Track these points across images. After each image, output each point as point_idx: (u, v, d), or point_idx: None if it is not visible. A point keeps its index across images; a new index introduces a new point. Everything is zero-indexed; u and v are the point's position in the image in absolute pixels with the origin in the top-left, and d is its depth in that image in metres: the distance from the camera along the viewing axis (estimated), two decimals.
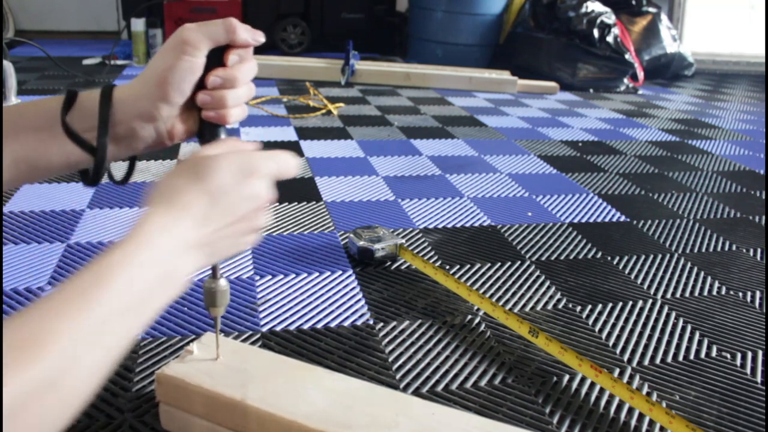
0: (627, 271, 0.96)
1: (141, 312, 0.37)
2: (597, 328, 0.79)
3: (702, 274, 0.97)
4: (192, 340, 0.71)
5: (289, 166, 0.48)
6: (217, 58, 0.47)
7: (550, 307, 0.84)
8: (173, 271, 0.39)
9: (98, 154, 0.46)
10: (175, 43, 0.45)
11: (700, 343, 0.77)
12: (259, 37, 0.48)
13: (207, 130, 0.48)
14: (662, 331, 0.80)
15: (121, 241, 0.38)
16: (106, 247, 0.37)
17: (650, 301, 0.87)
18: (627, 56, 2.59)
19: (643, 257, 1.01)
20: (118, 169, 0.53)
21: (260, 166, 0.44)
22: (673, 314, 0.84)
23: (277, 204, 1.15)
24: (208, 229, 0.41)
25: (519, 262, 0.97)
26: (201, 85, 0.47)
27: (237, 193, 0.43)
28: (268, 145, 1.52)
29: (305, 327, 0.76)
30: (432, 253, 0.99)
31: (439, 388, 0.66)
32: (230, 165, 0.43)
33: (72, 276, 0.35)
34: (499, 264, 0.96)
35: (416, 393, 0.65)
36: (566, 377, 0.69)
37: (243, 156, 0.44)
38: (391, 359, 0.70)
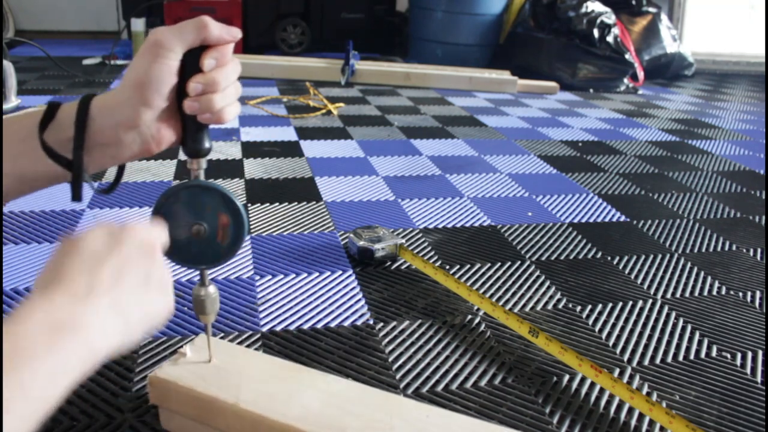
0: (627, 271, 0.96)
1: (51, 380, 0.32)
2: (597, 328, 0.79)
3: (702, 274, 0.97)
4: (188, 342, 0.70)
5: (153, 230, 0.45)
6: (196, 61, 0.45)
7: (550, 307, 0.84)
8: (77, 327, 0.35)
9: (74, 168, 0.45)
10: (148, 45, 0.44)
11: (700, 343, 0.77)
12: (236, 33, 0.47)
13: (190, 135, 0.48)
14: (662, 331, 0.80)
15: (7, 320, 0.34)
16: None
17: (650, 301, 0.87)
18: (627, 56, 2.59)
19: (643, 257, 1.01)
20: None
21: (127, 230, 0.42)
22: (673, 314, 0.84)
23: (278, 204, 1.15)
24: (100, 294, 0.37)
25: (519, 262, 0.97)
26: (185, 91, 0.46)
27: (112, 255, 0.40)
28: (269, 145, 1.52)
29: (305, 327, 0.76)
30: (432, 253, 0.99)
31: (439, 388, 0.66)
32: (98, 234, 0.41)
33: None
34: (499, 264, 0.96)
35: (416, 393, 0.65)
36: (566, 377, 0.69)
37: (108, 226, 0.42)
38: (391, 359, 0.70)
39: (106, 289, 0.38)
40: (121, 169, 0.51)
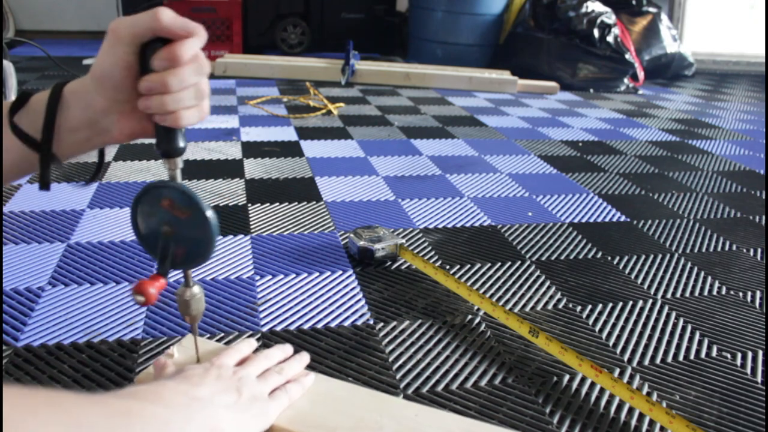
0: (627, 271, 0.96)
1: None
2: (597, 328, 0.79)
3: (702, 274, 0.97)
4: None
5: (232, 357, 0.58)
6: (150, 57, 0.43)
7: (550, 307, 0.84)
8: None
9: (42, 148, 0.45)
10: (107, 33, 0.44)
11: (700, 343, 0.77)
12: (194, 29, 0.43)
13: (161, 134, 0.46)
14: (662, 331, 0.80)
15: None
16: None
17: (650, 301, 0.87)
18: (627, 56, 2.59)
19: (643, 257, 1.01)
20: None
21: (216, 362, 0.55)
22: (673, 314, 0.84)
23: (278, 204, 1.15)
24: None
25: (519, 262, 0.97)
26: None
27: (209, 373, 0.52)
28: (269, 145, 1.52)
29: (305, 327, 0.76)
30: (432, 253, 0.99)
31: (439, 388, 0.66)
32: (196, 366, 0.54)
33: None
34: (499, 264, 0.96)
35: (416, 393, 0.65)
36: (566, 377, 0.69)
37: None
38: (391, 359, 0.70)
39: (208, 384, 0.50)
40: (101, 157, 0.52)
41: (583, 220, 1.16)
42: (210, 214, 0.47)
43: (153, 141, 0.47)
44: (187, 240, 0.48)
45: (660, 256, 1.02)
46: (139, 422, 0.40)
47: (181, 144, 0.47)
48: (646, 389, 0.68)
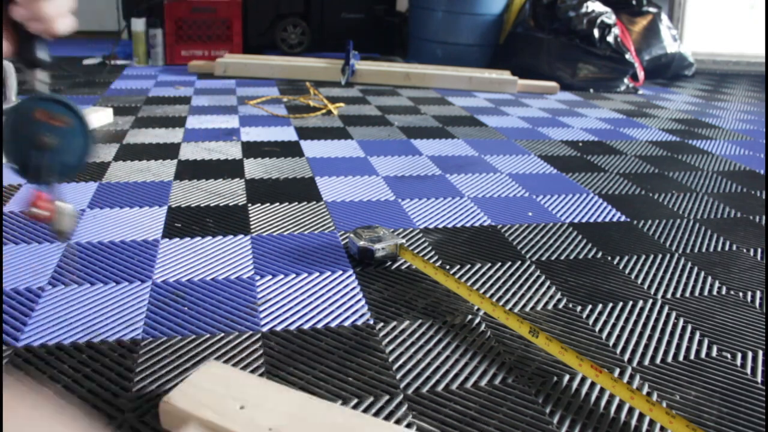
0: (627, 271, 0.96)
1: None
2: (597, 328, 0.79)
3: (702, 274, 0.97)
4: (191, 341, 0.71)
5: None
6: None
7: (550, 307, 0.84)
8: None
9: None
10: None
11: (700, 343, 0.77)
12: None
13: (24, 48, 0.46)
14: (662, 331, 0.80)
15: None
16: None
17: (650, 301, 0.87)
18: (627, 56, 2.59)
19: (643, 257, 1.01)
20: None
21: None
22: (674, 314, 0.84)
23: (278, 204, 1.15)
24: None
25: (519, 262, 0.97)
26: None
27: None
28: (269, 145, 1.52)
29: (305, 327, 0.76)
30: (432, 253, 0.99)
31: (440, 388, 0.66)
32: None
33: None
34: (499, 264, 0.96)
35: (416, 393, 0.65)
36: (566, 377, 0.69)
37: None
38: (391, 359, 0.70)
39: None
40: None
41: (583, 220, 1.16)
42: (87, 119, 0.49)
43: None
44: (65, 150, 0.49)
45: (660, 256, 1.02)
46: None
47: (43, 55, 0.48)
48: (646, 389, 0.68)
